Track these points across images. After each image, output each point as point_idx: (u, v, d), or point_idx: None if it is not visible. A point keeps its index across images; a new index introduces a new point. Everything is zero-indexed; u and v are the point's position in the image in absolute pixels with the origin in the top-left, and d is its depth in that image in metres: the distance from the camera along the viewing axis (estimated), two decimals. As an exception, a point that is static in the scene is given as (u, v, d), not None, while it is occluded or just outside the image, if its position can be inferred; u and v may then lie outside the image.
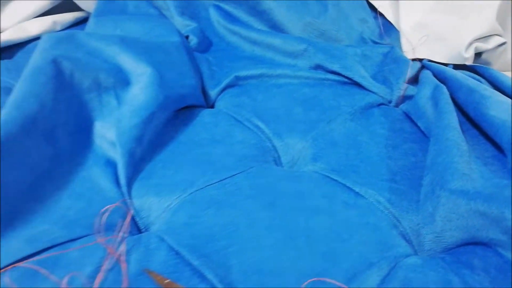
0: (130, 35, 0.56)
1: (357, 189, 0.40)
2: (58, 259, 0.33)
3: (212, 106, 0.58)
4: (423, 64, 0.61)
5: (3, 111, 0.38)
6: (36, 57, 0.44)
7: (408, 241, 0.37)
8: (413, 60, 0.61)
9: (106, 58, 0.48)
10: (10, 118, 0.38)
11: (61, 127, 0.43)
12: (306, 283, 0.31)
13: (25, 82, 0.41)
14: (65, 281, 0.31)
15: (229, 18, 0.69)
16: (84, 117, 0.46)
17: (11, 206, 0.36)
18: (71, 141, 0.44)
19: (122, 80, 0.48)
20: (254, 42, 0.65)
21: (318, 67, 0.60)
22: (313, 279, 0.31)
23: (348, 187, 0.40)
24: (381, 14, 0.70)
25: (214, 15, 0.70)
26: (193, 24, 0.68)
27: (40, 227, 0.36)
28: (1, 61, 0.69)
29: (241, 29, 0.66)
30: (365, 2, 0.70)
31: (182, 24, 0.68)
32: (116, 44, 0.50)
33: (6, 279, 0.31)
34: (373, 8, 0.71)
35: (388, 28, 0.70)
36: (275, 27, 0.67)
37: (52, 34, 0.48)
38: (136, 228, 0.39)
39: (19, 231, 0.35)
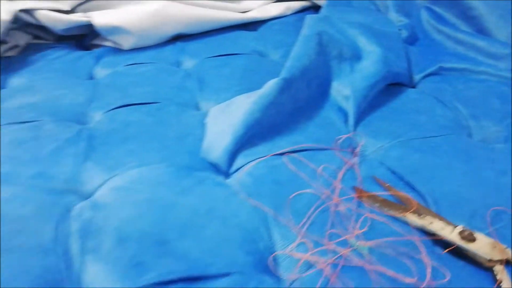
0: (363, 22, 0.73)
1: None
2: (313, 156, 0.52)
3: (414, 87, 0.71)
4: None
5: (289, 63, 0.58)
6: (305, 30, 0.65)
7: None
8: None
9: (349, 37, 0.66)
10: (293, 66, 0.58)
11: (315, 79, 0.62)
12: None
13: (300, 45, 0.61)
14: (320, 168, 0.50)
15: (438, 19, 0.81)
16: (327, 76, 0.64)
17: (281, 124, 0.57)
18: (318, 90, 0.63)
19: (357, 55, 0.65)
20: (458, 42, 0.76)
21: (518, 70, 0.69)
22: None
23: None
24: None
25: (424, 15, 0.83)
26: (406, 20, 0.82)
27: (299, 137, 0.56)
28: (250, 33, 0.95)
29: (448, 29, 0.78)
30: None
31: (397, 19, 0.82)
32: (356, 28, 0.67)
33: (285, 159, 0.51)
34: None
35: None
36: (482, 32, 0.77)
37: (313, 16, 0.68)
38: (359, 153, 0.56)
39: (285, 138, 0.55)
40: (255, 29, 0.98)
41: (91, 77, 0.82)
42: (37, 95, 0.72)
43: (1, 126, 0.63)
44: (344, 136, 0.56)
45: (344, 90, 0.63)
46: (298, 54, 0.60)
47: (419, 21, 0.84)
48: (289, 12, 1.02)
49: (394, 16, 0.83)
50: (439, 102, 0.64)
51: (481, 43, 0.72)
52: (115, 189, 0.48)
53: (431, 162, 0.51)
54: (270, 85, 0.56)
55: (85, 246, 0.40)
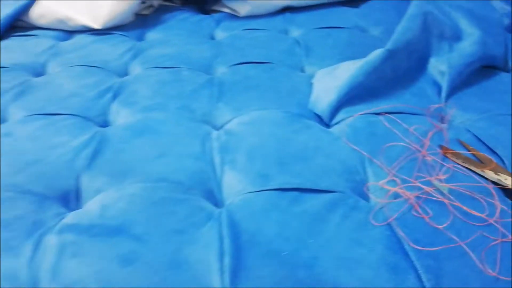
0: (466, 7, 0.78)
1: None
2: (406, 118, 0.61)
3: (508, 72, 0.76)
4: None
5: (395, 36, 0.67)
6: (412, 9, 0.72)
7: None
8: None
9: (451, 19, 0.73)
10: (398, 40, 0.67)
11: (415, 53, 0.70)
12: None
13: (406, 22, 0.69)
14: (412, 128, 0.59)
15: (545, 9, 0.83)
16: (427, 52, 0.72)
17: (380, 89, 0.66)
18: (416, 64, 0.71)
19: (457, 36, 0.72)
20: None
21: None
22: None
23: None
24: None
25: (531, 4, 0.85)
26: (509, 8, 0.85)
27: (395, 102, 0.65)
28: (353, 9, 1.03)
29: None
30: None
31: (500, 6, 0.86)
32: (459, 11, 0.74)
33: (381, 117, 0.61)
34: None
35: None
36: None
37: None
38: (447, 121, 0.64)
39: (382, 102, 0.64)
40: (357, 6, 1.06)
41: (212, 38, 0.97)
42: (172, 47, 0.88)
43: (147, 69, 0.79)
44: (436, 105, 0.64)
45: (441, 66, 0.70)
46: (403, 29, 0.69)
47: (524, 9, 0.86)
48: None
49: (498, 3, 0.86)
50: (531, 87, 0.68)
51: None
52: (242, 123, 0.61)
53: (513, 135, 0.57)
54: (376, 54, 0.66)
55: (224, 159, 0.54)
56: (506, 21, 0.83)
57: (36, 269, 0.39)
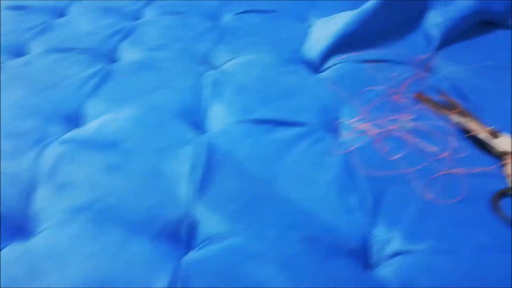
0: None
1: None
2: (392, 66, 0.64)
3: (508, 28, 0.76)
4: None
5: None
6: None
7: None
8: None
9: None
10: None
11: (411, 5, 0.71)
12: None
13: None
14: (394, 74, 0.62)
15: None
16: (423, 5, 0.73)
17: (372, 38, 0.68)
18: (412, 17, 0.72)
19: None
20: None
21: None
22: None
23: None
24: None
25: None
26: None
27: (385, 52, 0.67)
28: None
29: None
30: None
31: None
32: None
33: (367, 64, 0.64)
34: None
35: None
36: None
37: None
38: (432, 71, 0.66)
39: (373, 50, 0.67)
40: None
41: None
42: (183, -5, 0.92)
43: (159, 14, 0.85)
44: (423, 56, 0.67)
45: (437, 18, 0.71)
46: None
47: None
48: None
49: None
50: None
51: None
52: (237, 64, 0.66)
53: (492, 86, 0.60)
54: (370, 4, 0.68)
55: (214, 92, 0.60)
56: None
57: (36, 172, 0.47)
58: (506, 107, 0.56)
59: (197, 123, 0.56)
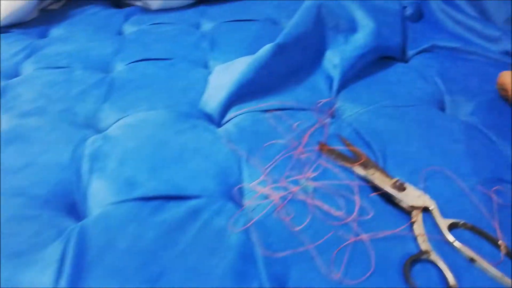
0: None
1: (494, 139, 0.56)
2: (294, 114, 0.60)
3: (406, 61, 0.76)
4: None
5: (286, 30, 0.66)
6: (306, 2, 0.71)
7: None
8: None
9: (347, 10, 0.72)
10: (289, 33, 0.65)
11: (310, 47, 0.69)
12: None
13: (300, 14, 0.68)
14: (295, 124, 0.58)
15: (445, -1, 0.84)
16: (322, 45, 0.71)
17: (272, 85, 0.65)
18: (312, 58, 0.70)
19: (353, 28, 0.71)
20: (458, 22, 0.79)
21: (507, 53, 0.72)
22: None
23: (488, 136, 0.56)
24: None
25: (433, -7, 0.86)
26: (413, -2, 0.85)
27: (286, 98, 0.64)
28: (271, 1, 1.01)
29: (450, 9, 0.81)
30: None
31: (405, -5, 0.86)
32: (356, 3, 0.73)
33: (268, 114, 0.60)
34: None
35: None
36: (482, 13, 0.80)
37: (318, -12, 0.74)
38: (335, 115, 0.64)
39: (274, 97, 0.63)
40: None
41: (120, 33, 0.92)
42: (72, 44, 0.83)
43: (38, 69, 0.75)
44: (325, 100, 0.64)
45: (335, 59, 0.69)
46: (296, 22, 0.67)
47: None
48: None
49: (403, -7, 0.87)
50: (422, 77, 0.69)
51: (477, 25, 0.76)
52: (124, 126, 0.59)
53: (394, 127, 0.58)
54: (265, 49, 0.64)
55: (93, 166, 0.51)
56: (409, 11, 0.84)
57: None
58: (409, 149, 0.54)
59: (71, 209, 0.47)
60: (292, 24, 0.67)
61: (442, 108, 0.64)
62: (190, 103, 0.64)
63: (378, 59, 0.73)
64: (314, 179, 0.49)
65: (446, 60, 0.73)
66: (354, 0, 0.74)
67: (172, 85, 0.69)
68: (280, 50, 0.65)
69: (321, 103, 0.63)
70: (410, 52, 0.77)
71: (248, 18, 0.93)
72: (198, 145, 0.55)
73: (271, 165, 0.51)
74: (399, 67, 0.73)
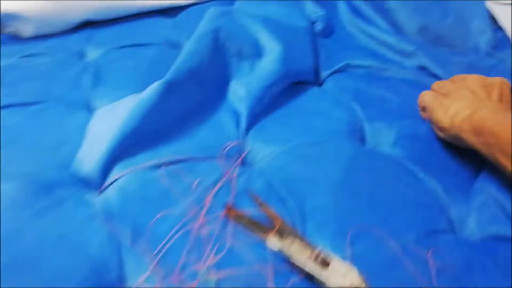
0: (270, 16, 0.69)
1: (421, 176, 0.49)
2: (194, 167, 0.49)
3: (321, 84, 0.69)
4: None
5: (176, 63, 0.54)
6: (203, 25, 0.60)
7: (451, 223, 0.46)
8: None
9: (250, 33, 0.63)
10: (181, 67, 0.54)
11: (210, 79, 0.58)
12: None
13: (193, 43, 0.57)
14: (195, 183, 0.47)
15: (355, 11, 0.78)
16: (225, 75, 0.61)
17: (167, 130, 0.53)
18: (214, 91, 0.59)
19: (258, 52, 0.62)
20: (370, 36, 0.73)
21: (423, 68, 0.67)
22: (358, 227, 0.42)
23: (414, 172, 0.49)
24: (501, 28, 0.73)
25: (342, 6, 0.80)
26: (322, 12, 0.78)
27: (186, 145, 0.52)
28: (167, 20, 0.89)
29: (362, 23, 0.75)
30: (487, 13, 0.73)
31: (313, 10, 0.79)
32: (260, 23, 0.64)
33: (161, 171, 0.48)
34: (494, 20, 0.74)
35: (505, 43, 0.72)
36: (394, 25, 0.75)
37: (215, 8, 0.64)
38: (245, 162, 0.54)
39: (170, 146, 0.52)
40: (174, 16, 0.92)
41: (-18, 70, 0.75)
42: None
43: None
44: (232, 144, 0.53)
45: (240, 91, 0.59)
46: (189, 53, 0.56)
47: (336, 12, 0.81)
48: (205, -4, 0.95)
49: (310, 7, 0.79)
50: (338, 103, 0.62)
51: (390, 39, 0.71)
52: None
53: (312, 173, 0.49)
54: (152, 89, 0.52)
55: None
56: (319, 26, 0.76)
57: None
58: (330, 202, 0.45)
59: None
60: (184, 55, 0.56)
61: (363, 140, 0.57)
62: (60, 165, 0.50)
63: (290, 84, 0.64)
64: (218, 265, 0.38)
65: (361, 81, 0.66)
66: (257, 19, 0.64)
67: (40, 140, 0.54)
68: (171, 88, 0.53)
69: (228, 148, 0.53)
70: (323, 74, 0.69)
71: (142, 42, 0.80)
72: (64, 231, 0.41)
73: (161, 250, 0.39)
74: (313, 92, 0.65)
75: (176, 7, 0.92)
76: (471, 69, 0.66)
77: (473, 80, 0.52)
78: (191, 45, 0.57)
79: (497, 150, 0.41)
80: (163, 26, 0.86)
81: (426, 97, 0.56)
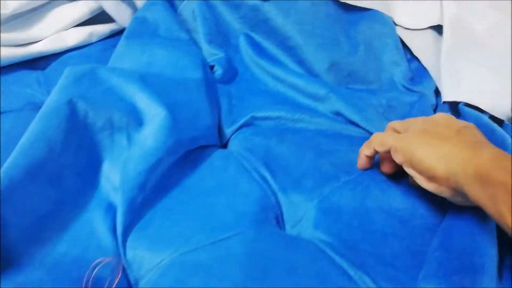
0: (152, 70, 0.56)
1: (351, 273, 0.38)
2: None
3: (226, 144, 0.57)
4: (459, 109, 0.56)
5: (11, 158, 0.39)
6: (53, 96, 0.45)
7: None
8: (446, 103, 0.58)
9: (123, 97, 0.49)
10: (14, 165, 0.39)
11: (69, 168, 0.44)
12: None
13: (37, 125, 0.42)
14: None
15: (257, 49, 0.67)
16: (93, 156, 0.47)
17: (5, 251, 0.38)
18: (78, 182, 0.44)
19: (136, 120, 0.49)
20: (278, 79, 0.63)
21: (338, 114, 0.58)
22: None
23: (343, 269, 0.39)
24: (416, 57, 0.67)
25: (243, 44, 0.69)
26: (221, 54, 0.67)
27: (34, 275, 0.37)
28: (34, 73, 0.72)
29: (266, 63, 0.65)
30: (400, 43, 0.67)
31: (210, 52, 0.67)
32: (136, 82, 0.50)
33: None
34: (408, 49, 0.68)
35: (422, 73, 0.66)
36: (302, 64, 0.65)
37: (74, 69, 0.49)
38: (126, 281, 0.40)
39: (11, 278, 0.37)
40: (44, 67, 0.75)
41: None
42: None
43: None
44: (104, 260, 0.39)
45: (114, 177, 0.46)
46: (29, 142, 0.41)
47: (238, 51, 0.69)
48: (94, 39, 0.80)
49: (206, 48, 0.67)
50: (246, 170, 0.50)
51: (299, 82, 0.61)
52: None
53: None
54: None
55: None
56: (219, 71, 0.65)
57: None
58: None
59: None
60: (22, 145, 0.40)
61: (279, 221, 0.46)
62: None
63: (186, 152, 0.52)
64: None
65: (271, 137, 0.55)
66: (132, 77, 0.51)
67: None
68: (8, 197, 0.38)
69: (98, 268, 0.38)
70: (227, 131, 0.57)
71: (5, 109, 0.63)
72: None
73: None
74: (215, 158, 0.53)
75: (46, 55, 0.75)
76: (390, 110, 0.59)
77: (444, 116, 0.42)
78: (34, 130, 0.42)
79: (507, 206, 0.29)
80: (25, 84, 0.69)
81: (390, 138, 0.43)
